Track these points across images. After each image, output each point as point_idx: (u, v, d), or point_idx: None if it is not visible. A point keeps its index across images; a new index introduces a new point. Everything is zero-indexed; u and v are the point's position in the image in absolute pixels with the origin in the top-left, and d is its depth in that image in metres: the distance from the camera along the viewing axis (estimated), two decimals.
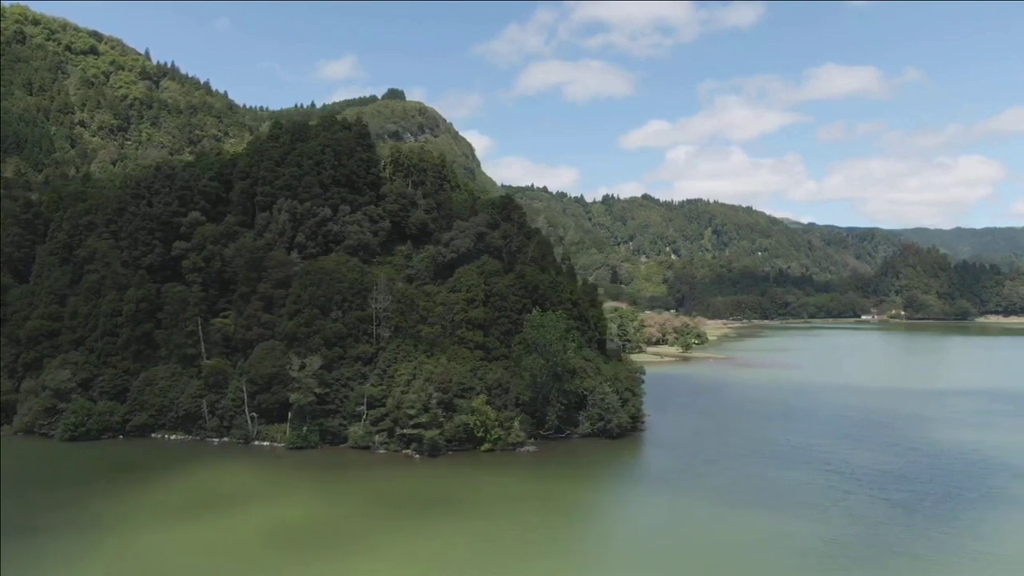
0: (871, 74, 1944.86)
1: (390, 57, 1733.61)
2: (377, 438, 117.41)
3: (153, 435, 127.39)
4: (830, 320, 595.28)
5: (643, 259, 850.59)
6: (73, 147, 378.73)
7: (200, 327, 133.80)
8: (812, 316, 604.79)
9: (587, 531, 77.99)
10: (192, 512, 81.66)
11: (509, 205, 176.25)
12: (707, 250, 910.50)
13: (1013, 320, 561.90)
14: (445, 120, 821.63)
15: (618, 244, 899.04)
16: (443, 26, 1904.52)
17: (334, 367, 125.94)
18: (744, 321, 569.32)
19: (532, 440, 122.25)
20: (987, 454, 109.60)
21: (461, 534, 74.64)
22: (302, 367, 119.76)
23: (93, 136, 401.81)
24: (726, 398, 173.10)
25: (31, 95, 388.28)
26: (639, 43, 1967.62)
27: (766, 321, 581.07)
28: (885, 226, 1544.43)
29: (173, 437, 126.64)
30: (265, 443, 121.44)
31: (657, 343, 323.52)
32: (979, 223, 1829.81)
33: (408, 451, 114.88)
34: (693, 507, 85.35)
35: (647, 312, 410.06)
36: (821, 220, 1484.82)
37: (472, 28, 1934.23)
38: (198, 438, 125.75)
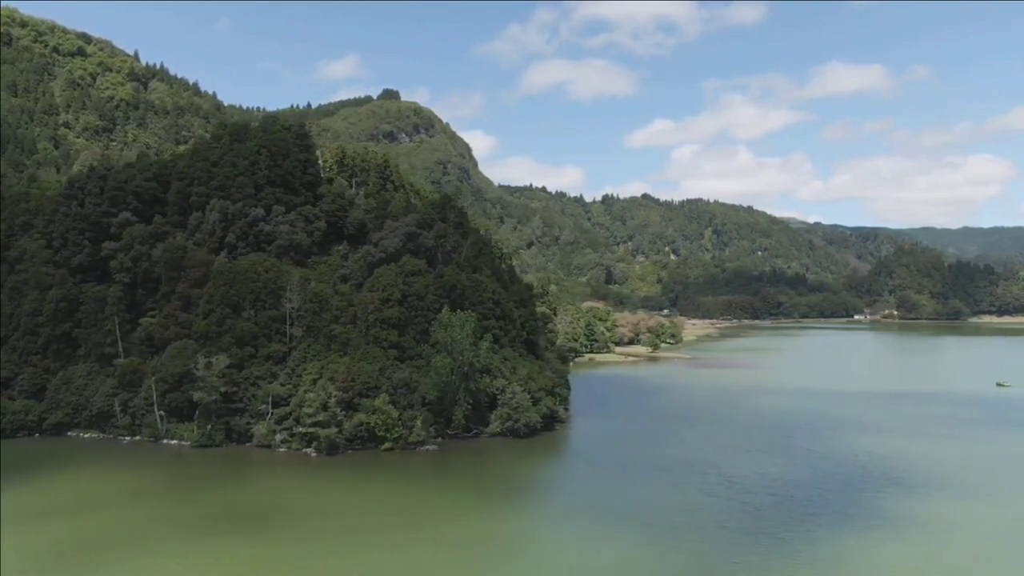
0: (877, 72, 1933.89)
1: (392, 57, 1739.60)
2: (278, 437, 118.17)
3: (69, 433, 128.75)
4: (822, 320, 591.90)
5: (641, 259, 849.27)
6: (57, 148, 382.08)
7: (118, 326, 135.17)
8: (804, 316, 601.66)
9: (397, 545, 73.76)
10: (23, 517, 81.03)
11: (447, 205, 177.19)
12: (707, 250, 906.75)
13: (1007, 320, 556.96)
14: (441, 120, 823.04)
15: (617, 244, 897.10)
16: (444, 26, 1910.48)
17: (245, 366, 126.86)
18: (734, 321, 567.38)
19: (438, 439, 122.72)
20: (878, 460, 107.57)
21: (265, 550, 72.45)
22: (208, 366, 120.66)
23: (77, 137, 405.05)
24: (663, 400, 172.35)
25: (16, 96, 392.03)
26: (642, 42, 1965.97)
27: (757, 321, 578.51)
28: (893, 226, 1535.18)
29: (87, 435, 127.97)
30: (174, 441, 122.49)
31: (630, 343, 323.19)
32: (990, 222, 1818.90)
33: (308, 450, 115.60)
34: (531, 516, 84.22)
35: (622, 312, 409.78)
36: (828, 220, 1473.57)
37: (473, 28, 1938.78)
38: (111, 436, 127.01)
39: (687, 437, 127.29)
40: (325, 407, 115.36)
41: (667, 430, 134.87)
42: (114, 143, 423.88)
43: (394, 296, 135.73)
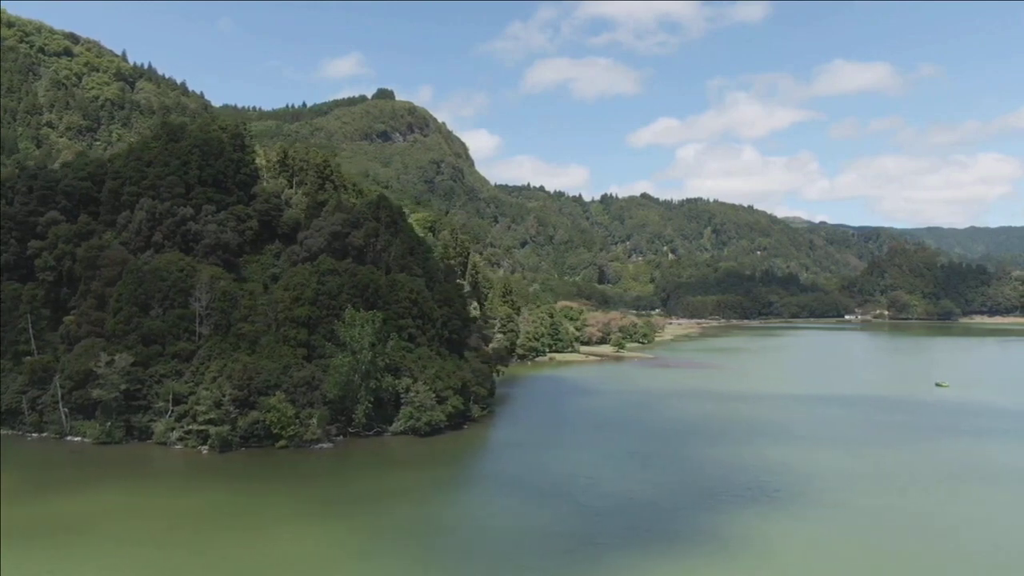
0: (884, 70, 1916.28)
1: (394, 56, 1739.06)
2: (174, 434, 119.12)
3: None
4: (812, 320, 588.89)
5: (638, 259, 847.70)
6: (38, 147, 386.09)
7: (31, 324, 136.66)
8: (795, 316, 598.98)
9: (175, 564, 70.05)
10: None
11: (381, 204, 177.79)
12: (706, 249, 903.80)
13: (997, 320, 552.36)
14: (436, 119, 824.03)
15: (615, 243, 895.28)
16: (445, 24, 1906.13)
17: (151, 364, 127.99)
18: (722, 321, 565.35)
19: (339, 437, 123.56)
20: (754, 468, 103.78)
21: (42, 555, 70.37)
22: (109, 363, 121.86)
23: (60, 137, 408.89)
24: (593, 401, 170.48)
25: None
26: (645, 41, 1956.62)
27: (746, 321, 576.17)
28: (900, 225, 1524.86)
29: None
30: (77, 438, 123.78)
31: (600, 342, 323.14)
32: (998, 222, 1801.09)
33: (202, 447, 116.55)
34: (349, 530, 79.95)
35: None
36: (835, 219, 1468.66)
37: (474, 27, 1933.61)
38: (19, 433, 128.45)
39: (585, 440, 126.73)
40: (219, 404, 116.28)
41: (572, 432, 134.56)
42: (98, 143, 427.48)
43: (306, 295, 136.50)
